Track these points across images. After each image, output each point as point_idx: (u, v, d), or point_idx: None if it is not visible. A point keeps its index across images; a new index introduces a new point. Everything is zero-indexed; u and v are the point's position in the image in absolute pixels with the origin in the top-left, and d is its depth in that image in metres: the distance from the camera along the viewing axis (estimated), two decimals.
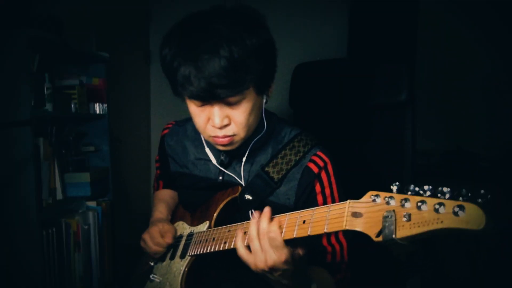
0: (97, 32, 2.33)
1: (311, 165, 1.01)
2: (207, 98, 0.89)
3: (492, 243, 2.33)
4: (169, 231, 1.11)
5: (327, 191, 1.02)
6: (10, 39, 1.52)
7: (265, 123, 1.03)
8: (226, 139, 0.95)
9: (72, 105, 1.96)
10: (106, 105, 2.16)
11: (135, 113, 2.91)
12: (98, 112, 2.16)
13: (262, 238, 0.80)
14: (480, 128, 2.73)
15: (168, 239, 1.09)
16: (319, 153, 1.03)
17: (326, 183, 1.02)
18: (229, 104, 0.90)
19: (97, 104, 2.15)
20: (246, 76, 0.86)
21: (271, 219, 0.82)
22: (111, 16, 2.49)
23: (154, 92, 3.08)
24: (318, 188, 1.02)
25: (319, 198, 1.02)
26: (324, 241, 1.02)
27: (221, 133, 0.93)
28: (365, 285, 1.26)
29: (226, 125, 0.93)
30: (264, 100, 1.00)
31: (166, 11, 2.91)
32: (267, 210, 0.83)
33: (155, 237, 1.09)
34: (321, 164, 1.02)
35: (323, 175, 1.02)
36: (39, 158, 1.68)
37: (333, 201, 1.02)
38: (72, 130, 1.98)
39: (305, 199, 1.02)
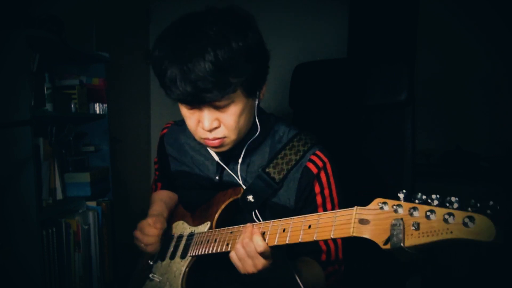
0: (97, 32, 2.33)
1: (310, 165, 1.02)
2: (194, 102, 0.90)
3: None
4: (158, 222, 1.10)
5: (326, 191, 1.02)
6: (10, 39, 1.52)
7: (258, 124, 1.03)
8: (217, 141, 0.95)
9: (72, 105, 1.96)
10: (106, 105, 2.16)
11: (135, 113, 2.91)
12: (98, 112, 2.16)
13: (252, 257, 0.83)
14: (480, 128, 2.73)
15: (157, 227, 1.09)
16: (318, 152, 1.03)
17: (325, 184, 1.02)
18: (218, 108, 0.91)
19: (97, 104, 2.15)
20: (233, 80, 0.86)
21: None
22: (111, 16, 2.48)
23: (154, 92, 3.08)
24: (317, 188, 1.02)
25: (318, 198, 1.02)
26: (321, 242, 1.02)
27: (211, 135, 0.94)
28: (365, 285, 1.26)
29: (216, 128, 0.94)
30: (257, 102, 0.99)
31: (166, 11, 2.91)
32: (249, 229, 0.85)
33: (144, 228, 1.09)
34: (320, 164, 1.02)
35: (322, 175, 1.02)
36: (39, 158, 1.68)
37: (332, 202, 1.03)
38: (72, 130, 1.97)
39: (305, 200, 1.02)
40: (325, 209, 1.02)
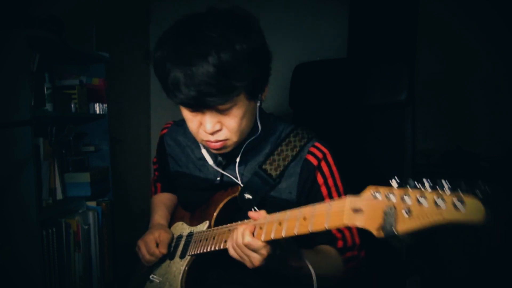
0: (97, 32, 2.33)
1: (310, 157, 1.02)
2: (197, 106, 0.89)
3: (492, 243, 2.33)
4: (165, 240, 1.10)
5: (330, 181, 1.02)
6: (10, 39, 1.51)
7: (259, 125, 1.03)
8: (219, 143, 0.95)
9: (72, 105, 1.96)
10: (106, 105, 2.16)
11: (135, 113, 2.91)
12: (98, 112, 2.16)
13: (240, 249, 0.85)
14: (480, 128, 2.73)
15: (163, 250, 1.08)
16: (316, 144, 1.03)
17: (328, 174, 1.02)
18: (220, 111, 0.91)
19: (97, 104, 2.15)
20: (236, 83, 0.86)
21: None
22: (111, 16, 2.48)
23: (154, 92, 3.08)
24: (320, 179, 1.02)
25: (323, 189, 1.02)
26: (333, 229, 1.02)
27: (213, 138, 0.94)
28: (365, 284, 1.26)
29: (218, 130, 0.94)
30: (258, 103, 0.99)
31: (166, 11, 2.91)
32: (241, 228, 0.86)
33: (150, 246, 1.09)
34: (320, 155, 1.02)
35: (324, 165, 1.02)
36: (39, 158, 1.68)
37: (338, 191, 1.03)
38: (72, 130, 1.97)
39: (308, 192, 1.02)
40: (331, 199, 1.02)
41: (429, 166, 2.64)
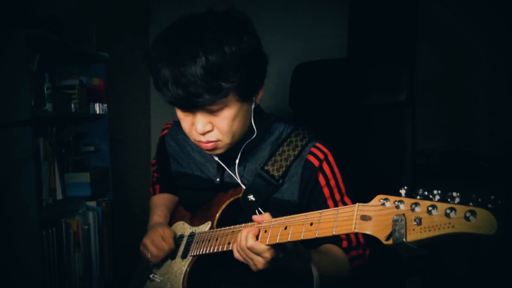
0: (97, 32, 2.33)
1: (311, 158, 1.02)
2: (186, 105, 0.91)
3: (492, 244, 2.33)
4: (170, 236, 1.10)
5: (332, 182, 1.02)
6: (10, 39, 1.51)
7: (254, 128, 1.02)
8: (210, 144, 0.96)
9: (72, 105, 1.96)
10: (106, 105, 2.16)
11: (135, 113, 2.91)
12: (98, 112, 2.16)
13: (244, 252, 0.86)
14: (480, 128, 2.73)
15: (171, 244, 1.08)
16: (318, 145, 1.03)
17: (329, 175, 1.02)
18: (211, 111, 0.91)
19: (97, 104, 2.15)
20: (225, 85, 0.86)
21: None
22: (111, 16, 2.48)
23: (154, 92, 3.07)
24: (322, 180, 1.02)
25: (325, 191, 1.02)
26: None
27: (204, 138, 0.95)
28: (365, 285, 1.26)
29: (209, 131, 0.94)
30: (253, 106, 0.99)
31: (166, 11, 2.91)
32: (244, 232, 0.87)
33: (157, 242, 1.09)
34: (321, 156, 1.02)
35: (325, 166, 1.02)
36: (39, 158, 1.68)
37: (340, 192, 1.03)
38: (72, 130, 1.97)
39: (310, 193, 1.02)
40: (334, 200, 1.02)
41: (429, 166, 2.64)
